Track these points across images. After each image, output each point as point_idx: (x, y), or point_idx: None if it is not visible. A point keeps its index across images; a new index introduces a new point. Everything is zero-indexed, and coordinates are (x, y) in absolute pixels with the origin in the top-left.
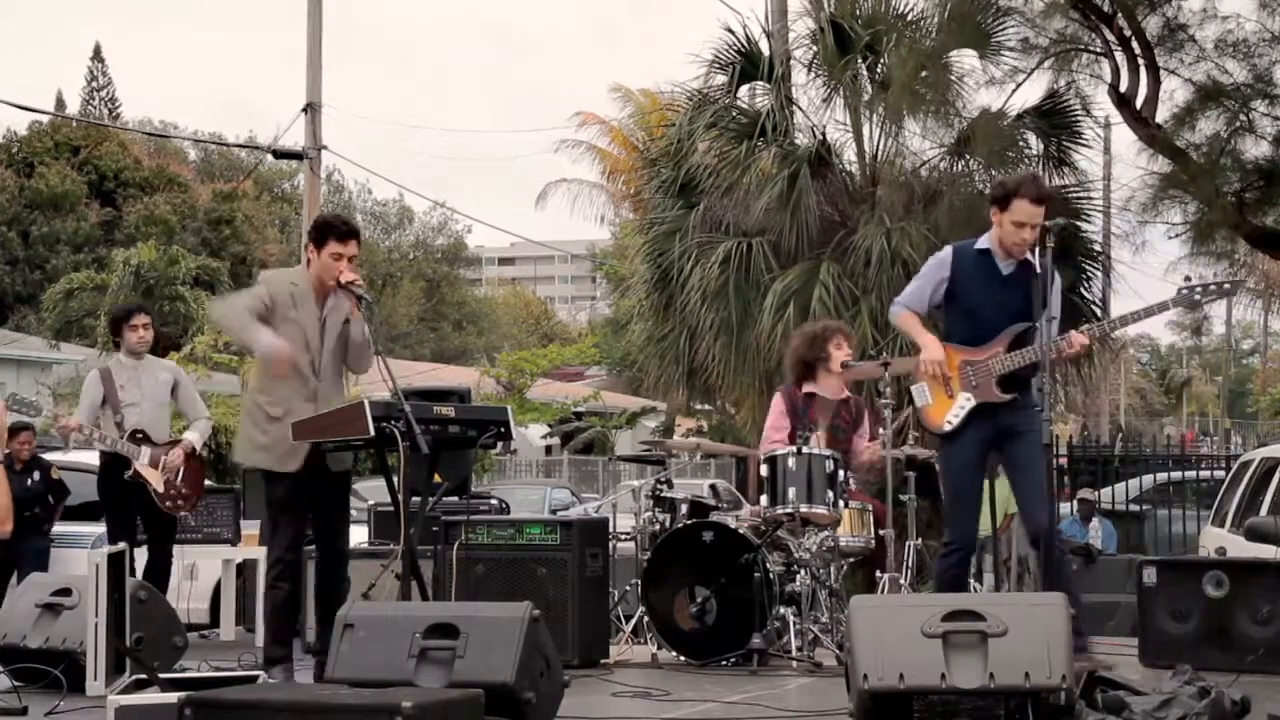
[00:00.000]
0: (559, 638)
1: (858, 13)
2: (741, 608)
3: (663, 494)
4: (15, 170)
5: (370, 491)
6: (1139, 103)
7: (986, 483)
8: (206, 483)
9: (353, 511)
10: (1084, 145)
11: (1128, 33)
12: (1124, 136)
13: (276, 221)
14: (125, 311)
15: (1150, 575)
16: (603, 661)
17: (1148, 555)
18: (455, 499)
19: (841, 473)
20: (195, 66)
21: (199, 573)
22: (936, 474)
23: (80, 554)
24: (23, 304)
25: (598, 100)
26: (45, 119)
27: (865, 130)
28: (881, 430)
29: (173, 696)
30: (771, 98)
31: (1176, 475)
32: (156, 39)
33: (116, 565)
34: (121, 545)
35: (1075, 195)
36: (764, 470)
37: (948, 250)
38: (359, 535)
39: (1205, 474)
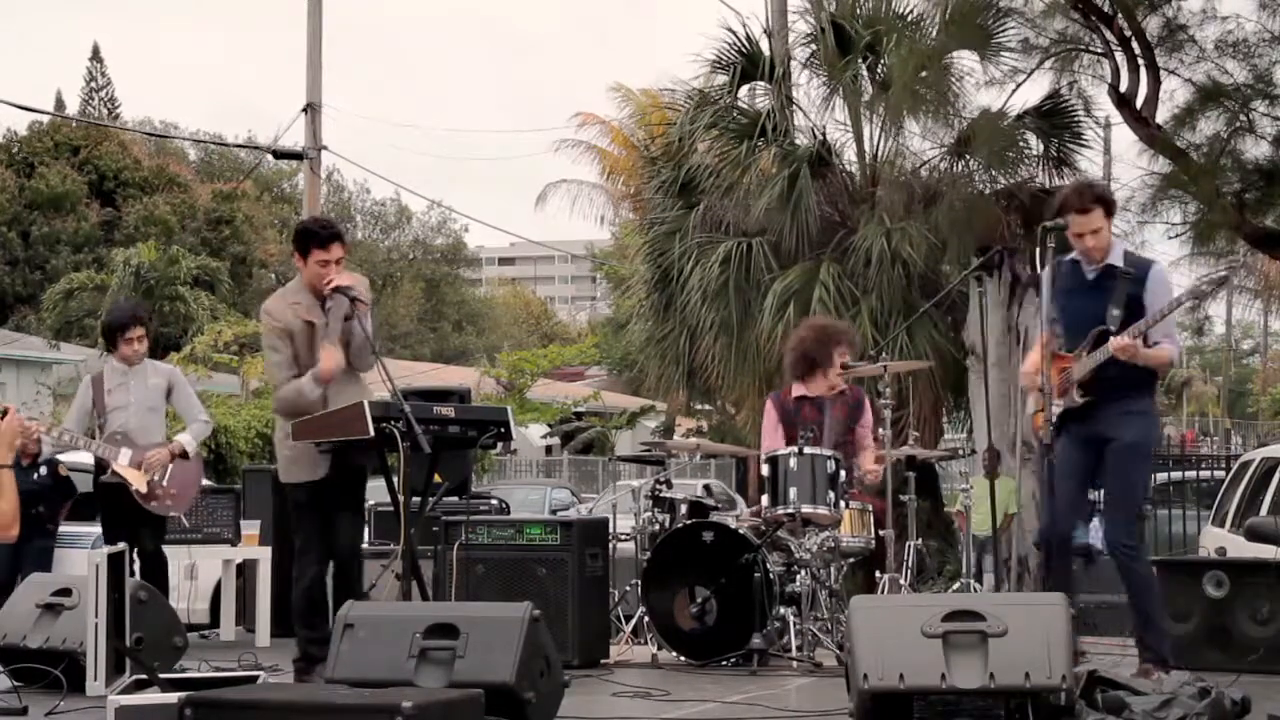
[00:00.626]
0: (559, 638)
1: (858, 13)
2: (741, 608)
3: (661, 494)
4: (15, 170)
5: (370, 491)
6: (1139, 103)
7: (987, 483)
8: (206, 482)
9: None
10: (1084, 145)
11: (1128, 33)
12: (1124, 136)
13: (276, 221)
14: (120, 324)
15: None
16: (603, 661)
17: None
18: (455, 499)
19: (842, 473)
20: (195, 66)
21: (199, 573)
22: (936, 474)
23: (80, 554)
24: (23, 304)
25: (598, 100)
26: (45, 119)
27: (865, 130)
28: (881, 430)
29: (173, 696)
30: (772, 98)
31: (1176, 475)
32: (156, 39)
33: (116, 565)
34: (121, 546)
35: None
36: (765, 470)
37: (1050, 264)
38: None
39: (1205, 474)
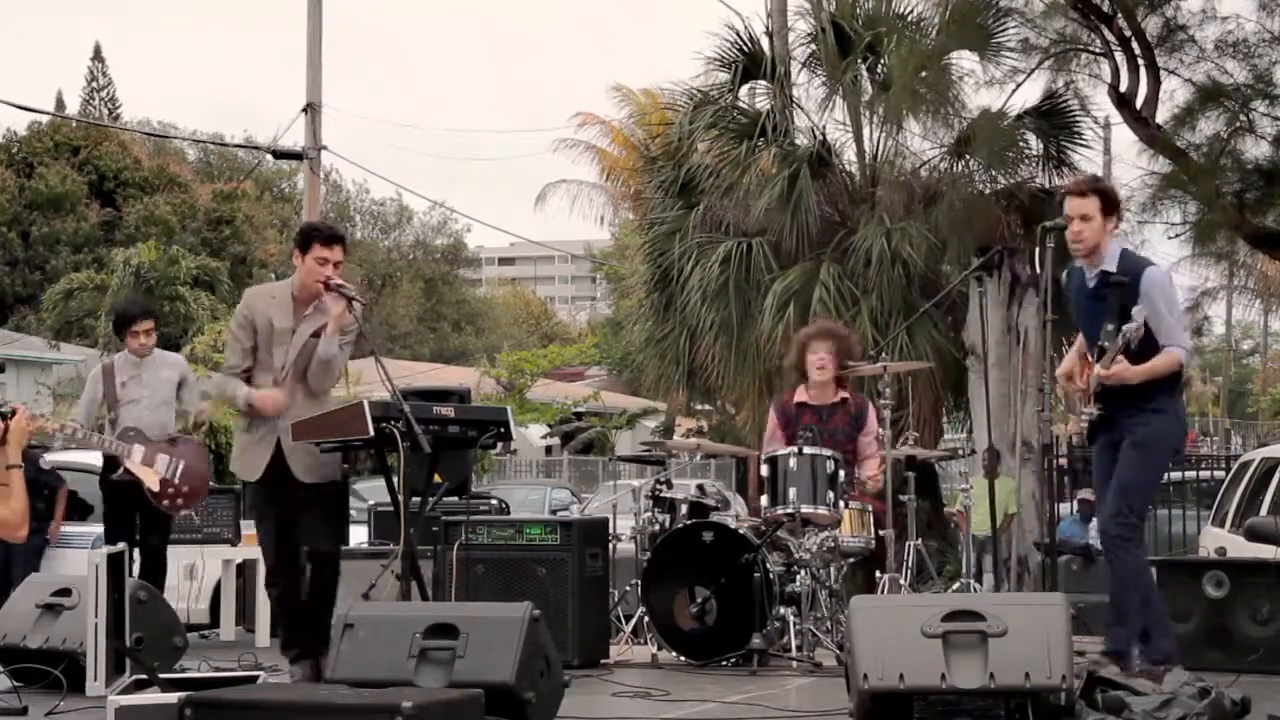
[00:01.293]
0: (559, 638)
1: (858, 13)
2: (741, 608)
3: (661, 494)
4: (15, 170)
5: (370, 491)
6: (1139, 103)
7: (987, 483)
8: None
9: (352, 512)
10: (1084, 145)
11: (1128, 33)
12: (1124, 136)
13: (276, 221)
14: (129, 317)
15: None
16: (603, 661)
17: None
18: (455, 499)
19: (842, 473)
20: (195, 66)
21: (199, 573)
22: (936, 474)
23: (80, 554)
24: (23, 304)
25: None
26: (45, 119)
27: (865, 131)
28: (881, 430)
29: (173, 696)
30: (772, 98)
31: (1176, 475)
32: (156, 39)
33: (116, 565)
34: (121, 546)
35: None
36: (765, 470)
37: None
38: (359, 535)
39: (1205, 474)
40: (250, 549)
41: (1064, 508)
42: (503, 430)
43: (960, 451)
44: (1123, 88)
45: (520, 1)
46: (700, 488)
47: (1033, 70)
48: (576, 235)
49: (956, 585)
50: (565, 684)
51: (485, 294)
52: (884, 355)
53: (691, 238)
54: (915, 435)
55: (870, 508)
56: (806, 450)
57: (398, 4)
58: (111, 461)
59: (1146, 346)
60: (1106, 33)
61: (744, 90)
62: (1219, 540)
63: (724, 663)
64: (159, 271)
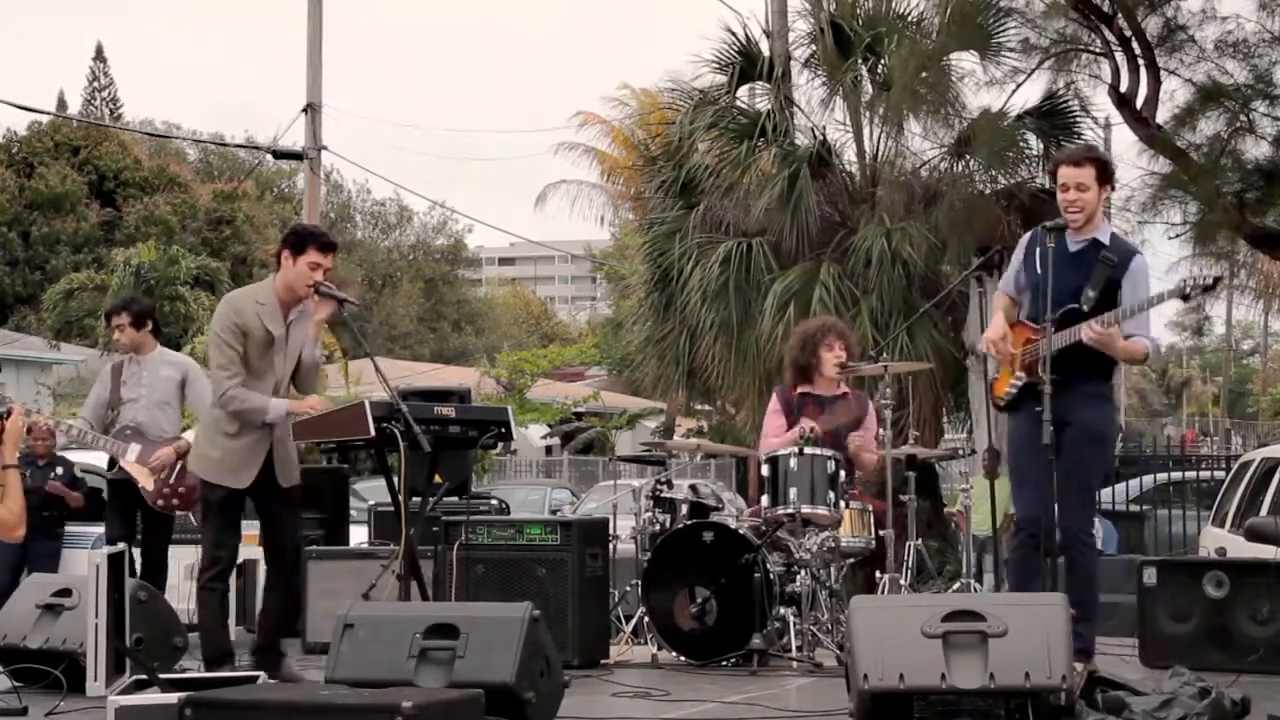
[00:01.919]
0: (559, 638)
1: (858, 13)
2: (741, 608)
3: (661, 494)
4: (15, 170)
5: (370, 491)
6: (1139, 103)
7: (987, 483)
8: None
9: (353, 512)
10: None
11: (1128, 33)
12: (1124, 136)
13: (277, 221)
14: (108, 313)
15: (1150, 575)
16: (603, 661)
17: (1148, 555)
18: (455, 499)
19: (842, 473)
20: (195, 66)
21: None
22: (936, 474)
23: (80, 554)
24: (23, 304)
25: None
26: (45, 119)
27: (865, 131)
28: (881, 430)
29: (173, 697)
30: (771, 98)
31: (1177, 476)
32: (157, 39)
33: (116, 565)
34: (121, 546)
35: None
36: (765, 470)
37: (1031, 231)
38: (359, 535)
39: (1205, 474)
40: (251, 549)
41: None
42: (503, 430)
43: (960, 451)
44: (1123, 88)
45: (520, 1)
46: (693, 488)
47: (1033, 70)
48: (576, 235)
49: (956, 585)
50: (565, 684)
51: (485, 294)
52: (884, 355)
53: (691, 238)
54: (915, 435)
55: (870, 508)
56: (807, 450)
57: (398, 4)
58: (113, 460)
59: (1074, 317)
60: (1106, 33)
61: (744, 90)
62: (1219, 540)
63: (724, 663)
64: (159, 271)
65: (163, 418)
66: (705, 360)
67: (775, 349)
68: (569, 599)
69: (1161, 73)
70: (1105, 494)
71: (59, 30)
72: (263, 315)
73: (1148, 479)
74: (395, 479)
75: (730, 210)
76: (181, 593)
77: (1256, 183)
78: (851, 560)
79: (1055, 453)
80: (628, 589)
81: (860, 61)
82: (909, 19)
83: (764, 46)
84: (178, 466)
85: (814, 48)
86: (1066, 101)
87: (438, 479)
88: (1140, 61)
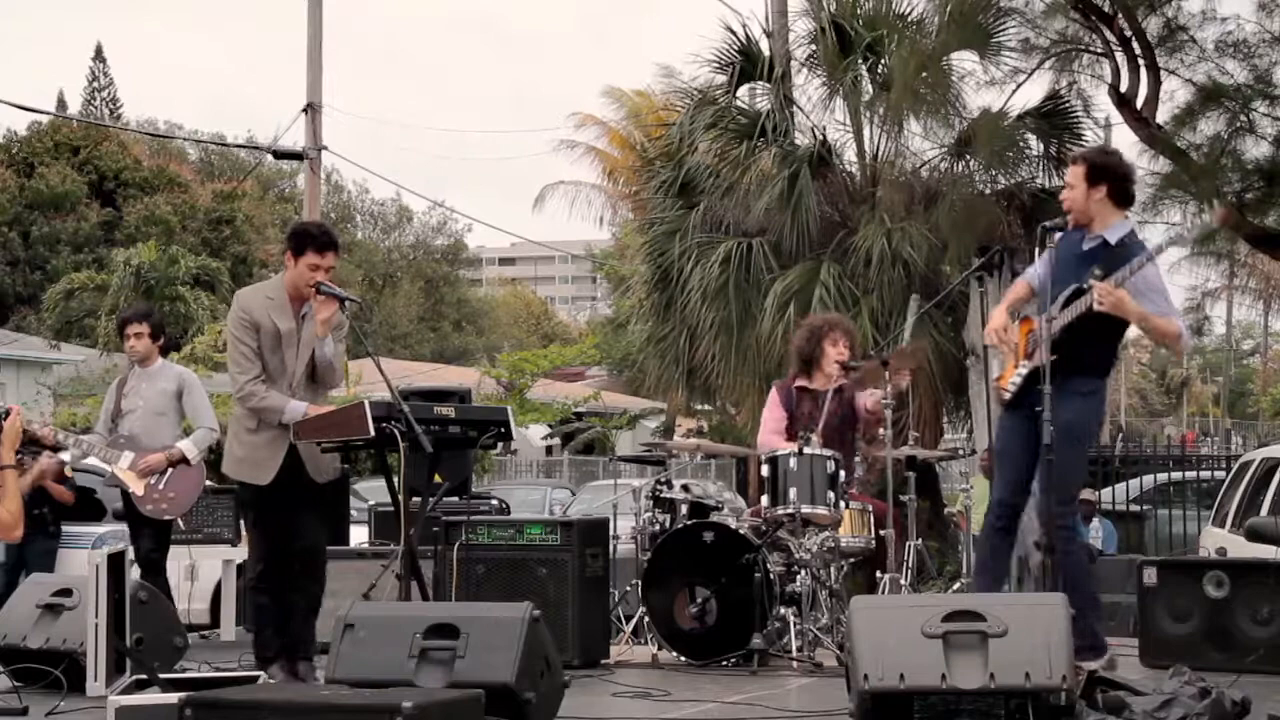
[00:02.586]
0: (559, 638)
1: (858, 13)
2: (742, 608)
3: (661, 494)
4: (15, 170)
5: (370, 491)
6: (1139, 103)
7: (987, 483)
8: (207, 483)
9: (353, 512)
10: (1084, 146)
11: (1128, 33)
12: (1124, 137)
13: (277, 221)
14: (123, 320)
15: (1151, 575)
16: (603, 661)
17: (1148, 555)
18: (455, 499)
19: (842, 473)
20: (195, 66)
21: (199, 573)
22: (936, 474)
23: (81, 554)
24: (23, 304)
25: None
26: (45, 119)
27: (865, 131)
28: (881, 430)
29: (173, 697)
30: (772, 98)
31: (1177, 476)
32: (157, 39)
33: (116, 565)
34: (121, 546)
35: None
36: (765, 470)
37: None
38: (359, 535)
39: (1205, 474)
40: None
41: None
42: (503, 430)
43: (960, 451)
44: (1123, 88)
45: (520, 1)
46: (685, 488)
47: (1033, 70)
48: (576, 235)
49: (957, 585)
50: (565, 684)
51: (485, 294)
52: (887, 351)
53: (691, 238)
54: (915, 435)
55: (870, 508)
56: (807, 450)
57: (398, 4)
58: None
59: (1107, 322)
60: (1107, 33)
61: (744, 90)
62: (1219, 540)
63: (724, 663)
64: (159, 271)
65: (158, 427)
66: (705, 360)
67: (775, 349)
68: (569, 599)
69: (1162, 73)
70: (1105, 494)
71: (58, 30)
72: (272, 310)
73: (1148, 479)
74: (395, 479)
75: (730, 210)
76: (182, 593)
77: (1256, 183)
78: (851, 560)
79: (1046, 450)
80: (628, 589)
81: (860, 61)
82: (909, 19)
83: (764, 46)
84: (168, 473)
85: (814, 47)
86: (1067, 101)
87: (438, 479)
88: (1140, 61)
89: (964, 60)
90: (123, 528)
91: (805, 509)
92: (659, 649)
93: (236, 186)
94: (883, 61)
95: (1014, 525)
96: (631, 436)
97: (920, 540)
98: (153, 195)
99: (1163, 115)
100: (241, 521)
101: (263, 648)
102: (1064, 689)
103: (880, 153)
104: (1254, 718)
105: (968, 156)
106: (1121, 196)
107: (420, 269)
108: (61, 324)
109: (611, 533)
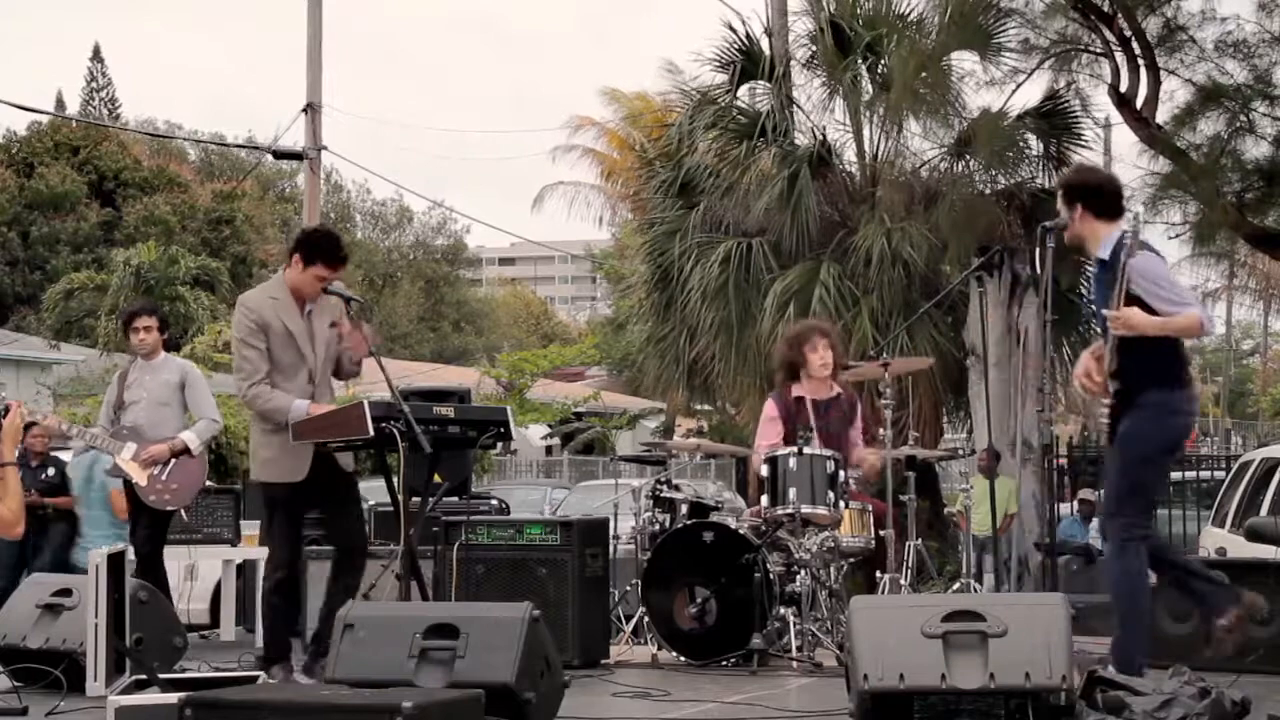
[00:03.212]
0: (559, 638)
1: (858, 13)
2: (741, 608)
3: (661, 494)
4: (15, 170)
5: (370, 491)
6: (1139, 103)
7: (987, 482)
8: (207, 483)
9: None
10: (1084, 146)
11: (1128, 33)
12: (1124, 137)
13: (277, 221)
14: (130, 314)
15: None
16: (603, 661)
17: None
18: (455, 499)
19: (842, 473)
20: (195, 66)
21: (199, 573)
22: (936, 474)
23: (80, 554)
24: (23, 304)
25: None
26: (45, 119)
27: (865, 131)
28: (882, 430)
29: (173, 697)
30: (772, 98)
31: (1176, 475)
32: (157, 39)
33: (116, 565)
34: (121, 545)
35: None
36: (764, 471)
37: None
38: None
39: (1205, 474)
40: (250, 549)
41: (1064, 508)
42: (503, 430)
43: (960, 451)
44: (1123, 88)
45: (520, 2)
46: (676, 486)
47: (1033, 70)
48: (576, 236)
49: (956, 585)
50: (565, 684)
51: (485, 294)
52: (884, 355)
53: (691, 238)
54: (915, 435)
55: (870, 508)
56: (806, 450)
57: (398, 4)
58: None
59: (1142, 339)
60: (1107, 33)
61: (744, 90)
62: (1219, 540)
63: (724, 663)
64: (159, 271)
65: (161, 418)
66: (705, 360)
67: (775, 349)
68: (569, 599)
69: (1161, 73)
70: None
71: (58, 30)
72: (279, 311)
73: None
74: (395, 479)
75: (730, 210)
76: (182, 593)
77: (1256, 183)
78: (851, 560)
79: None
80: (628, 589)
81: (860, 61)
82: (909, 19)
83: (764, 46)
84: (171, 463)
85: (814, 47)
86: (1067, 101)
87: (438, 479)
88: (1140, 61)
89: (964, 60)
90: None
91: (805, 509)
92: (659, 649)
93: (236, 186)
94: (882, 61)
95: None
96: (631, 436)
97: (920, 540)
98: (152, 195)
99: (1162, 115)
100: (251, 522)
101: (272, 648)
102: (1064, 689)
103: (880, 153)
104: (1254, 718)
105: (968, 156)
106: (1101, 209)
107: (420, 269)
108: (61, 324)
109: (611, 533)
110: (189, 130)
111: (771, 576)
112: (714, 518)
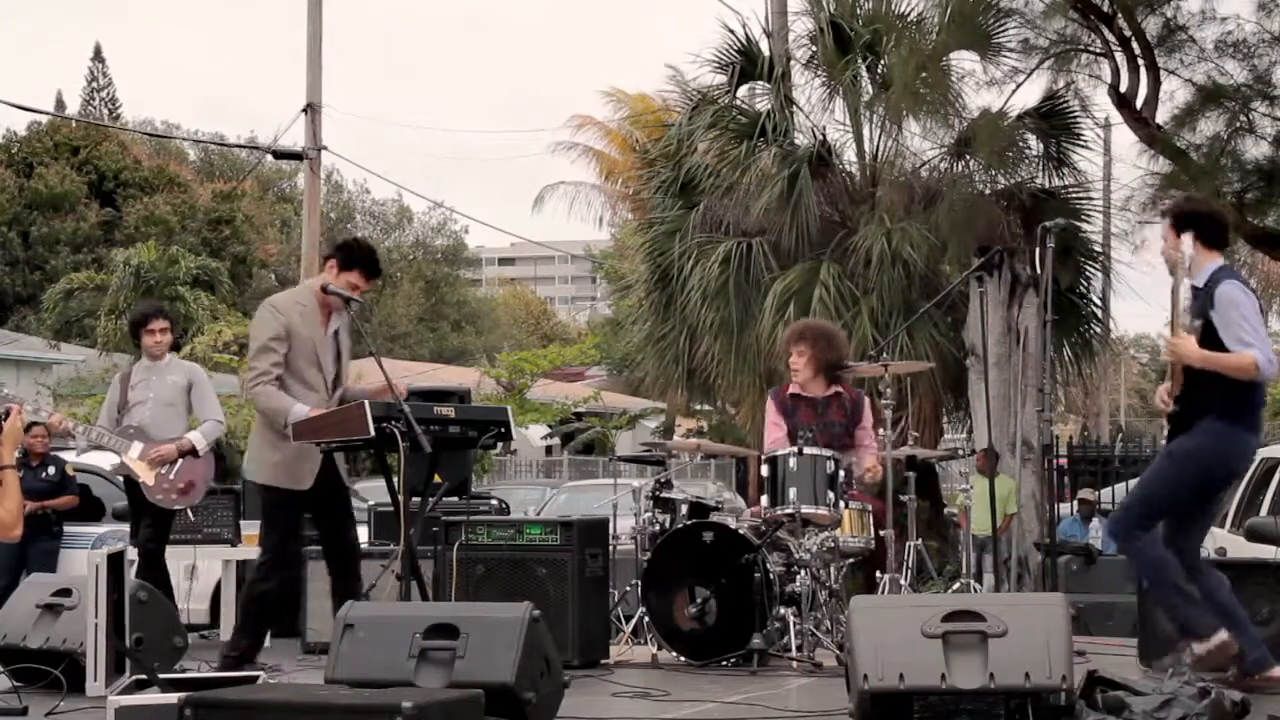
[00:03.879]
0: (559, 638)
1: (858, 13)
2: (741, 608)
3: (661, 494)
4: (15, 170)
5: (370, 492)
6: (1139, 103)
7: (987, 482)
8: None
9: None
10: (1084, 146)
11: (1128, 33)
12: (1124, 137)
13: (277, 221)
14: (142, 316)
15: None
16: (603, 661)
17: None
18: (455, 499)
19: (842, 473)
20: (196, 67)
21: (199, 573)
22: (936, 474)
23: (81, 554)
24: (23, 304)
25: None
26: (45, 119)
27: (865, 131)
28: (882, 430)
29: (173, 697)
30: (771, 98)
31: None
32: (157, 39)
33: (116, 565)
34: (121, 545)
35: (1075, 196)
36: (764, 470)
37: None
38: (359, 535)
39: None
40: (250, 549)
41: (1064, 508)
42: (503, 430)
43: (960, 451)
44: (1123, 88)
45: (520, 2)
46: (670, 486)
47: (1033, 70)
48: (576, 236)
49: (956, 585)
50: (565, 684)
51: (485, 294)
52: (884, 355)
53: (691, 237)
54: (916, 435)
55: (870, 508)
56: (807, 450)
57: (398, 4)
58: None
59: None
60: (1106, 33)
61: (744, 90)
62: (1219, 540)
63: (724, 663)
64: (159, 271)
65: (167, 419)
66: (705, 360)
67: (775, 349)
68: (569, 599)
69: (1161, 73)
70: (1105, 494)
71: (58, 30)
72: (306, 319)
73: None
74: (395, 479)
75: (730, 210)
76: (182, 593)
77: (1256, 183)
78: (851, 560)
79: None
80: (628, 589)
81: (860, 61)
82: (909, 18)
83: (764, 46)
84: (178, 463)
85: (814, 48)
86: (1066, 102)
87: (438, 479)
88: (1140, 62)
89: (964, 60)
90: (123, 528)
91: (805, 509)
92: (659, 649)
93: (236, 187)
94: (882, 61)
95: (1185, 562)
96: (631, 436)
97: (920, 540)
98: (152, 195)
99: (1162, 115)
100: (251, 522)
101: (234, 646)
102: (1064, 689)
103: (880, 153)
104: (1254, 718)
105: (967, 156)
106: (1210, 239)
107: (420, 269)
108: (61, 324)
109: (611, 533)
110: (189, 130)
111: (771, 576)
112: (714, 518)
